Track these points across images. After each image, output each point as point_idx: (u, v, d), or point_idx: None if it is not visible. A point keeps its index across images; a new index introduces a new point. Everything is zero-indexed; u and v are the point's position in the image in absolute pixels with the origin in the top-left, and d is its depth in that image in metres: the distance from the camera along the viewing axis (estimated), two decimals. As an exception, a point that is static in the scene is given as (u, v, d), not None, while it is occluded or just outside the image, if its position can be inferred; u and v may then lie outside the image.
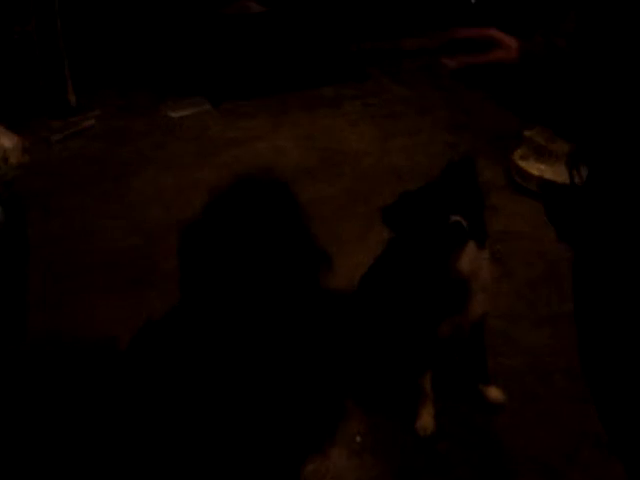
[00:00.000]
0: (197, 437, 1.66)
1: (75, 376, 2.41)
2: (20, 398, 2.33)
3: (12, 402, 2.29)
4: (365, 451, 2.41)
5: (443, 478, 2.33)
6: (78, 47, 4.91)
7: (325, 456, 2.28)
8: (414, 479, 2.34)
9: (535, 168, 3.83)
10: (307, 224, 1.82)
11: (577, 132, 1.51)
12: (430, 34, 5.91)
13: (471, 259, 2.28)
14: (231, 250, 1.74)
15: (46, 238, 3.36)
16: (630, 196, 1.39)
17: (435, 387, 2.52)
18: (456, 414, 2.55)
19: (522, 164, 3.89)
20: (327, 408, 1.89)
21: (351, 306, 2.62)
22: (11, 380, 2.35)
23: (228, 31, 4.98)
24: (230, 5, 5.09)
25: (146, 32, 5.12)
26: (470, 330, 2.46)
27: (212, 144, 4.41)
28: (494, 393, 2.56)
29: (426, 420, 2.47)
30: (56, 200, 3.83)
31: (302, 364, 1.76)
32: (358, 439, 2.45)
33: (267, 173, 1.83)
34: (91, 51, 5.04)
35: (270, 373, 1.67)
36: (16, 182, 2.47)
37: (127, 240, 3.50)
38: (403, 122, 4.71)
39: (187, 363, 1.66)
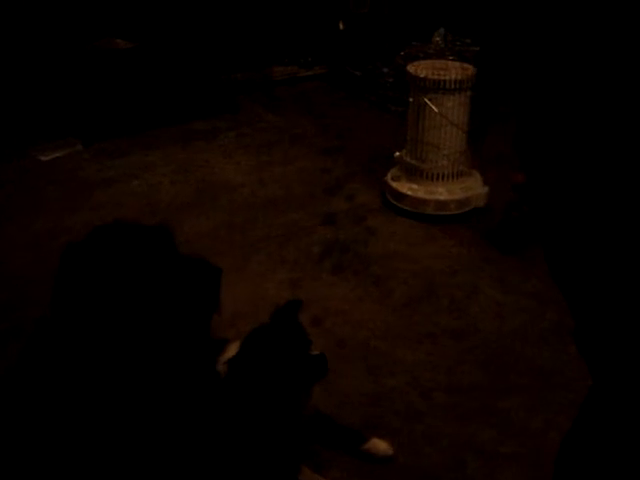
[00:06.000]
0: None
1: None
2: None
3: None
4: None
5: None
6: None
7: None
8: None
9: (407, 188, 3.91)
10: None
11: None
12: (300, 62, 6.00)
13: None
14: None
15: None
16: None
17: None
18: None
19: (394, 185, 3.96)
20: None
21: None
22: None
23: (96, 68, 4.90)
24: (96, 42, 5.02)
25: (9, 74, 4.97)
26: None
27: (85, 186, 4.30)
28: (381, 445, 2.46)
29: None
30: None
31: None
32: None
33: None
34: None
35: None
36: None
37: (-1, 292, 3.37)
38: (278, 150, 4.74)
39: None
